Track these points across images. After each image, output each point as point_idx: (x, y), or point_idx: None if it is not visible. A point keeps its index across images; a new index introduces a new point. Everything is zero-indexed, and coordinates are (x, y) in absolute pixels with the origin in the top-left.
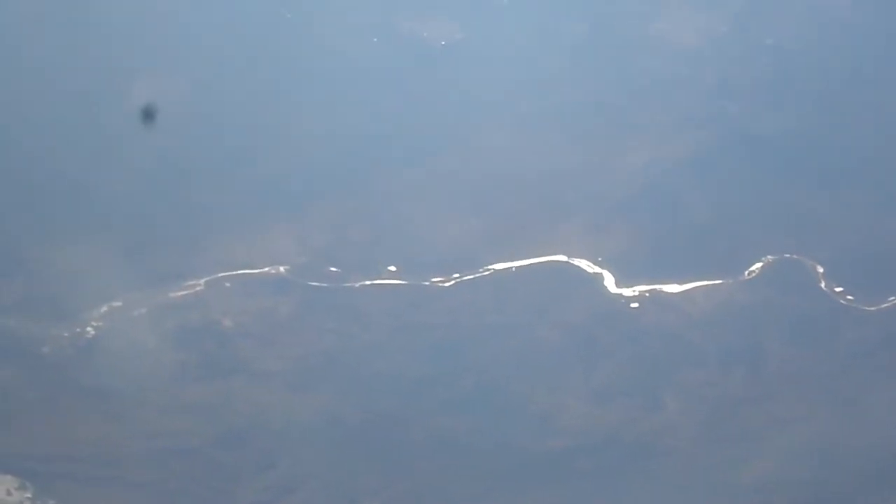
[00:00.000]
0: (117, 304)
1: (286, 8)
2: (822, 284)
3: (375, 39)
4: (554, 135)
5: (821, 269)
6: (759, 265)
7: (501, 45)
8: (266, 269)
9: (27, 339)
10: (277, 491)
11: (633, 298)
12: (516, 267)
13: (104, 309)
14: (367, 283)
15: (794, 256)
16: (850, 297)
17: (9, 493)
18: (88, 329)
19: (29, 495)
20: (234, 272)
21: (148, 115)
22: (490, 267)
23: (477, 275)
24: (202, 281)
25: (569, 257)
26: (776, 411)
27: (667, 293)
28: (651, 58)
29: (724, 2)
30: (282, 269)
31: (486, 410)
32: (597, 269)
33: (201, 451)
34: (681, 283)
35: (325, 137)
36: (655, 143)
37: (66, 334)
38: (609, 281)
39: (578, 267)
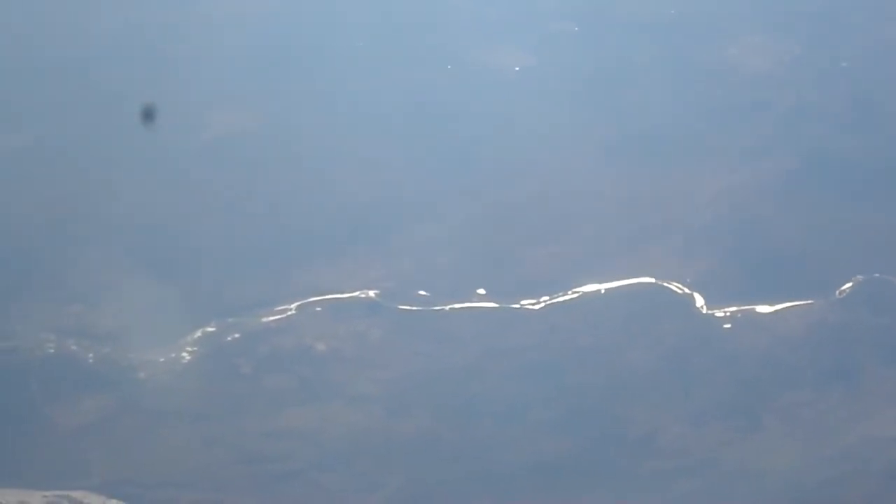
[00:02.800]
0: (211, 329)
1: (356, 38)
2: None
3: (449, 66)
4: (633, 160)
5: None
6: (849, 285)
7: (574, 71)
8: (355, 293)
9: (124, 365)
10: None
11: (725, 319)
12: (605, 289)
13: (198, 335)
14: (457, 306)
15: (884, 276)
16: None
17: None
18: (184, 354)
19: None
20: (324, 297)
21: (148, 115)
22: (578, 290)
23: (566, 297)
24: (293, 306)
25: (657, 279)
26: (875, 431)
27: (759, 314)
28: (726, 83)
29: (795, 27)
30: (371, 293)
31: (584, 432)
32: (686, 291)
33: (304, 475)
34: (772, 303)
35: (403, 164)
36: (736, 167)
37: (161, 360)
38: (699, 302)
39: (668, 289)
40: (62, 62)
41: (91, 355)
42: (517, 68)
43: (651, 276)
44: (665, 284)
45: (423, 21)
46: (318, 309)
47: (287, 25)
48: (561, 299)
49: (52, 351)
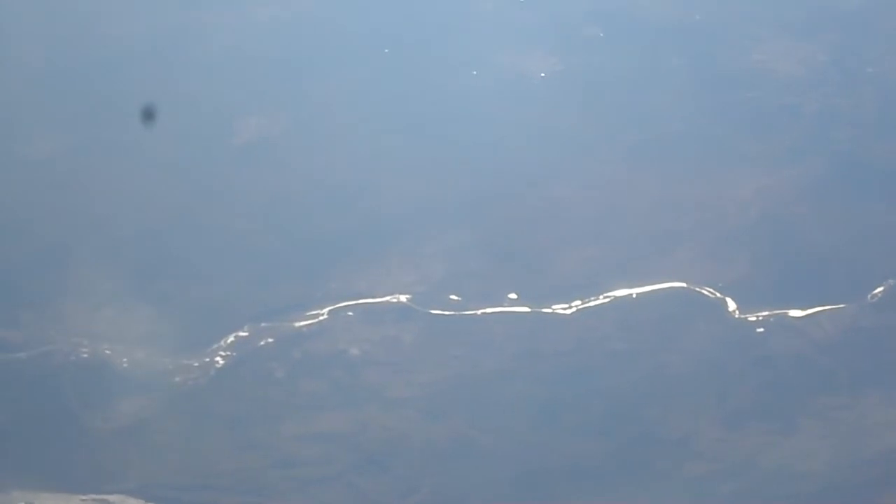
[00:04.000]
0: (244, 334)
1: (384, 44)
2: None
3: (475, 72)
4: (661, 165)
5: None
6: (881, 289)
7: (601, 76)
8: (387, 298)
9: (158, 370)
10: None
11: (758, 324)
12: (637, 294)
13: (231, 339)
14: (489, 310)
15: None
16: None
17: None
18: (217, 359)
19: None
20: (356, 301)
21: (148, 115)
22: (610, 294)
23: (598, 302)
24: (325, 311)
25: (688, 284)
26: None
27: (791, 318)
28: (752, 88)
29: (821, 33)
30: (402, 298)
31: (619, 435)
32: (718, 295)
33: (341, 479)
34: (804, 308)
35: (432, 169)
36: (765, 172)
37: (195, 364)
38: (732, 307)
39: (700, 293)
40: (91, 69)
41: (125, 360)
42: (543, 74)
43: (682, 281)
44: (697, 289)
45: (449, 27)
46: (350, 314)
47: (315, 32)
48: (592, 303)
49: (86, 356)
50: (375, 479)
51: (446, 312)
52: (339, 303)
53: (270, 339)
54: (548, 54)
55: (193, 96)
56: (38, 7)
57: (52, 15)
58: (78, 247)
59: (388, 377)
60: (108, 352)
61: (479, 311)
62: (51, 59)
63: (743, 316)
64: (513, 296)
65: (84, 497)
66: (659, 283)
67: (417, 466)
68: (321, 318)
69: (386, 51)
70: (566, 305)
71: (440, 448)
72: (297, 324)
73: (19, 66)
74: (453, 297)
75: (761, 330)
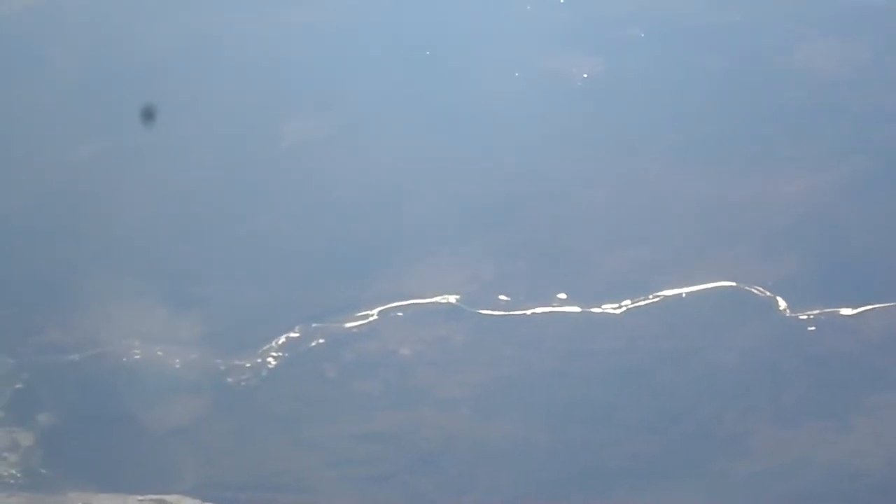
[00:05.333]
0: (294, 335)
1: (426, 46)
2: None
3: (517, 74)
4: (706, 165)
5: None
6: None
7: (643, 77)
8: (436, 298)
9: (211, 371)
10: None
11: (809, 322)
12: (686, 293)
13: (282, 340)
14: (539, 311)
15: None
16: None
17: None
18: (269, 360)
19: None
20: (405, 302)
21: (148, 115)
22: (660, 293)
23: (647, 301)
24: (375, 311)
25: (738, 283)
26: None
27: (842, 316)
28: (796, 88)
29: (863, 32)
30: (452, 298)
31: (674, 434)
32: (768, 294)
33: (395, 478)
34: (854, 306)
35: (477, 171)
36: (812, 171)
37: (248, 365)
38: (782, 305)
39: (749, 292)
40: (135, 75)
41: (177, 361)
42: (585, 75)
43: (731, 280)
44: (746, 288)
45: (490, 29)
46: (400, 314)
47: (357, 35)
48: (642, 303)
49: (138, 357)
50: (429, 478)
51: (496, 312)
52: (388, 303)
53: (321, 340)
54: (589, 55)
55: (238, 100)
56: (80, 14)
57: (93, 23)
58: (128, 249)
59: (440, 377)
60: (160, 353)
61: (528, 312)
62: (94, 65)
63: (794, 314)
64: (562, 296)
65: (141, 497)
66: (708, 282)
67: (470, 466)
68: (371, 318)
69: (427, 53)
70: (616, 305)
71: (492, 447)
72: (348, 325)
73: (65, 71)
74: (502, 297)
75: (812, 328)
